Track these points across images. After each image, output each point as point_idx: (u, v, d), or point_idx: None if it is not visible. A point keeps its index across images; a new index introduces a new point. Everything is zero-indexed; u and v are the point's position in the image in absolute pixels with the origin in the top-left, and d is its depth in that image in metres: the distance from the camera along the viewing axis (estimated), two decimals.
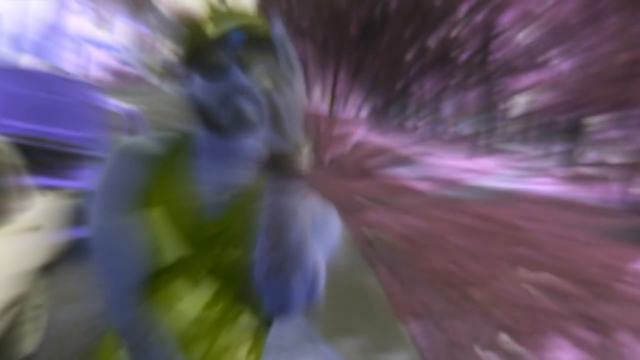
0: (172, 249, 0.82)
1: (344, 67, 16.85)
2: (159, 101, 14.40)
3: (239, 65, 0.79)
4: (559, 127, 26.64)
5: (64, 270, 3.09)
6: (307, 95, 20.02)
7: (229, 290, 0.84)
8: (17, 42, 18.99)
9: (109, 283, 0.83)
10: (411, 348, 3.56)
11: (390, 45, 16.71)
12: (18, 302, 2.33)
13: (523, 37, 21.27)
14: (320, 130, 14.45)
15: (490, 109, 25.00)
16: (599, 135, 25.78)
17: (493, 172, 19.24)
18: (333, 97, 16.57)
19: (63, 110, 4.49)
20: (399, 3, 16.54)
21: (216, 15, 0.82)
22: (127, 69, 27.32)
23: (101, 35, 26.01)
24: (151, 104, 12.75)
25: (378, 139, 18.93)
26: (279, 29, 0.70)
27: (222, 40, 0.79)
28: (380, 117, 22.57)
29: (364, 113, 22.22)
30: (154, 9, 29.36)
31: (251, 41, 0.80)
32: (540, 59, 21.08)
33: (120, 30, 28.63)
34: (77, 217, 3.20)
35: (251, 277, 0.80)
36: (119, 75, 25.61)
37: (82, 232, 2.78)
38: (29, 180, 2.65)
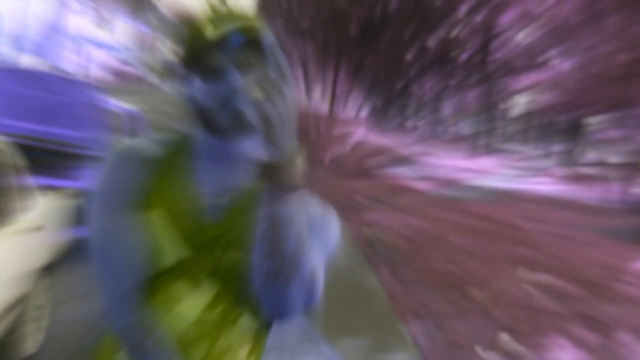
0: (171, 251, 0.82)
1: (344, 67, 16.84)
2: (160, 101, 14.40)
3: (238, 68, 0.78)
4: (559, 127, 26.61)
5: (65, 270, 3.09)
6: (307, 95, 20.02)
7: (229, 292, 0.84)
8: (17, 42, 18.99)
9: (108, 285, 0.83)
10: (411, 348, 3.56)
11: (390, 45, 16.72)
12: (20, 303, 2.33)
13: (523, 37, 21.23)
14: (320, 130, 14.45)
15: (490, 109, 24.96)
16: (599, 135, 25.73)
17: (493, 172, 19.21)
18: (333, 97, 16.57)
19: (64, 110, 4.49)
20: (399, 3, 16.55)
21: (216, 17, 0.81)
22: (127, 68, 27.34)
23: (101, 35, 26.01)
24: (151, 103, 12.77)
25: (378, 139, 18.91)
26: (269, 37, 0.69)
27: (222, 43, 0.79)
28: (380, 117, 22.55)
29: (364, 113, 22.20)
30: (154, 9, 29.39)
31: (251, 43, 0.79)
32: (540, 59, 21.06)
33: (121, 30, 28.63)
34: (78, 217, 3.21)
35: (251, 279, 0.80)
36: (119, 75, 25.64)
37: (83, 232, 2.79)
38: (30, 180, 2.65)
